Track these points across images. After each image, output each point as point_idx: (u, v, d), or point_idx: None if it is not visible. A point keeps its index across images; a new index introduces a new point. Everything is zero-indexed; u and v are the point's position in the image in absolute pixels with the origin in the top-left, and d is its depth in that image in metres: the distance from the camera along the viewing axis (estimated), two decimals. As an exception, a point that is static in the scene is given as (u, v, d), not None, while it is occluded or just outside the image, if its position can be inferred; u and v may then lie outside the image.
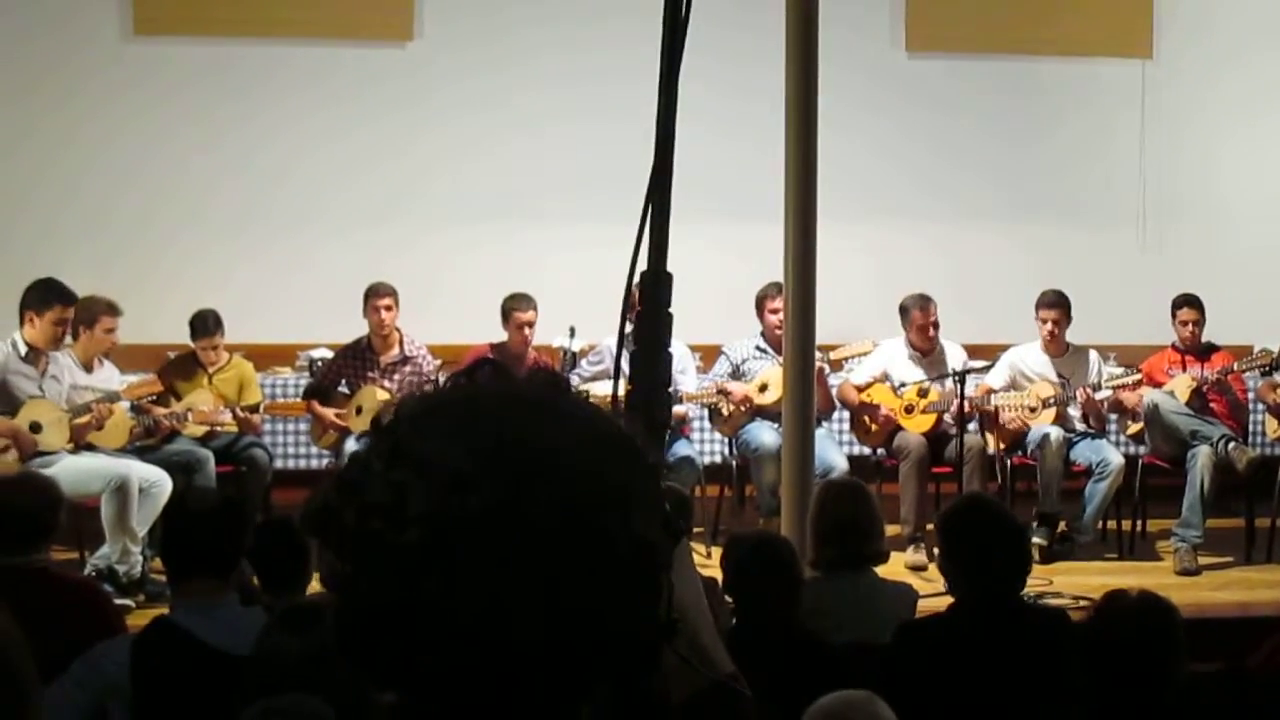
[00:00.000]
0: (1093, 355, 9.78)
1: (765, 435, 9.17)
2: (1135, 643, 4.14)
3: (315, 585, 5.05)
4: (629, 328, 1.80)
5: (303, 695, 3.32)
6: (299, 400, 9.52)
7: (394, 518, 1.19)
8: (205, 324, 9.20)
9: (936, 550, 5.49)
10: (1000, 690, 4.56)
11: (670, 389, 1.76)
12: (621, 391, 1.70)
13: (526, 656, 1.20)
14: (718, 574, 5.14)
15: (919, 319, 9.62)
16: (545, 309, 9.50)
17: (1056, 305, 9.64)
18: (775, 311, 8.95)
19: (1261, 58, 11.41)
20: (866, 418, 9.64)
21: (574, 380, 8.78)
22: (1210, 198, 11.46)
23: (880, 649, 4.96)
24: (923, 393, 9.53)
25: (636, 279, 1.72)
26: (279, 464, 9.41)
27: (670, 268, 1.71)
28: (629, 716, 1.44)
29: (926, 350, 9.66)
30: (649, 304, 1.69)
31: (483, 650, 1.19)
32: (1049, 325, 9.65)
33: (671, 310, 1.71)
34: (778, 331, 8.82)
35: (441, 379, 1.36)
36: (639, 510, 1.26)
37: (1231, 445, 9.25)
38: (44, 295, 8.28)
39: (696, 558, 7.30)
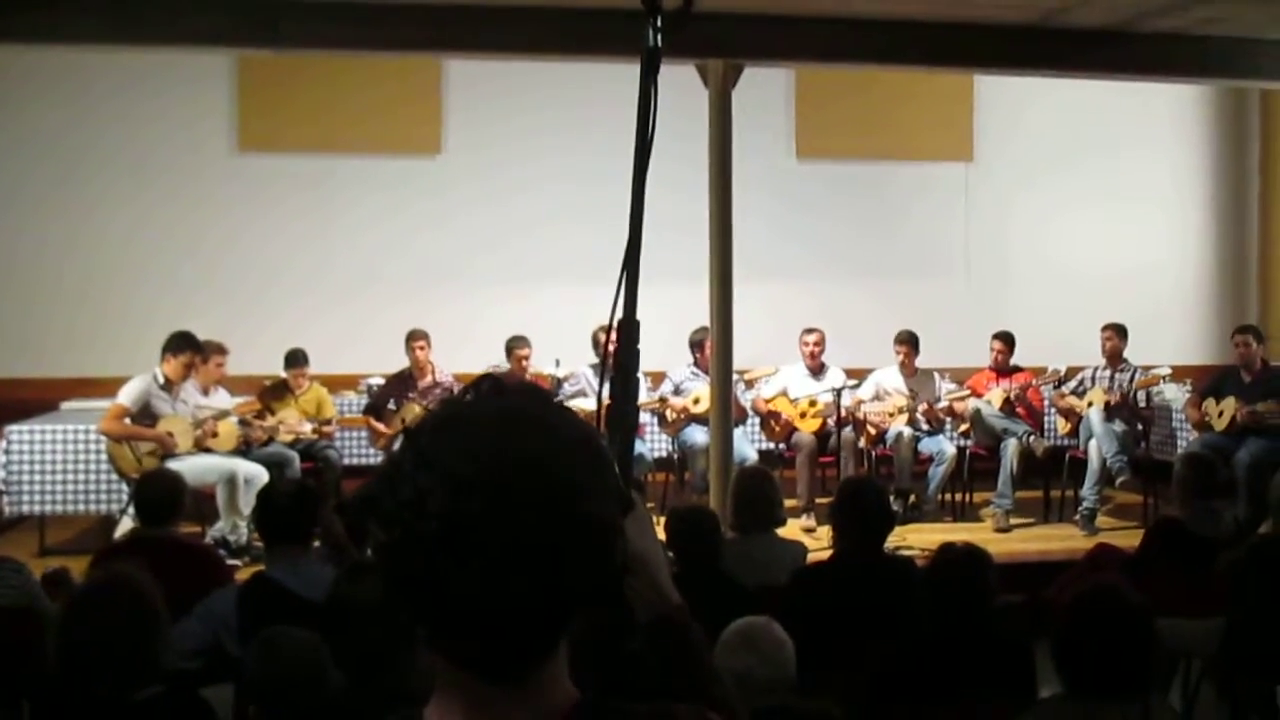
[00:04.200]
0: (935, 376, 9.82)
1: (698, 436, 9.17)
2: (961, 579, 4.16)
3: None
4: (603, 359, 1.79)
5: (295, 628, 3.27)
6: (361, 415, 9.49)
7: (417, 512, 1.20)
8: (297, 359, 9.23)
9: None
10: (866, 616, 4.58)
11: (637, 402, 1.76)
12: (601, 406, 1.69)
13: (517, 607, 1.21)
14: (662, 536, 5.15)
15: (801, 343, 9.70)
16: (537, 346, 9.51)
17: (908, 342, 9.72)
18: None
19: (1051, 158, 11.52)
20: (772, 422, 9.66)
21: (560, 397, 8.77)
22: (1014, 262, 11.55)
23: (780, 589, 4.97)
24: (812, 403, 9.55)
25: (615, 324, 1.70)
26: (347, 461, 9.33)
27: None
28: (607, 635, 1.46)
29: (815, 368, 9.69)
30: (624, 342, 1.69)
31: (485, 604, 1.20)
32: (902, 356, 9.71)
33: (639, 347, 1.71)
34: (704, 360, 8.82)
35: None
36: (598, 495, 1.25)
37: (1032, 438, 9.34)
38: (179, 343, 8.27)
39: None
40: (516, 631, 1.22)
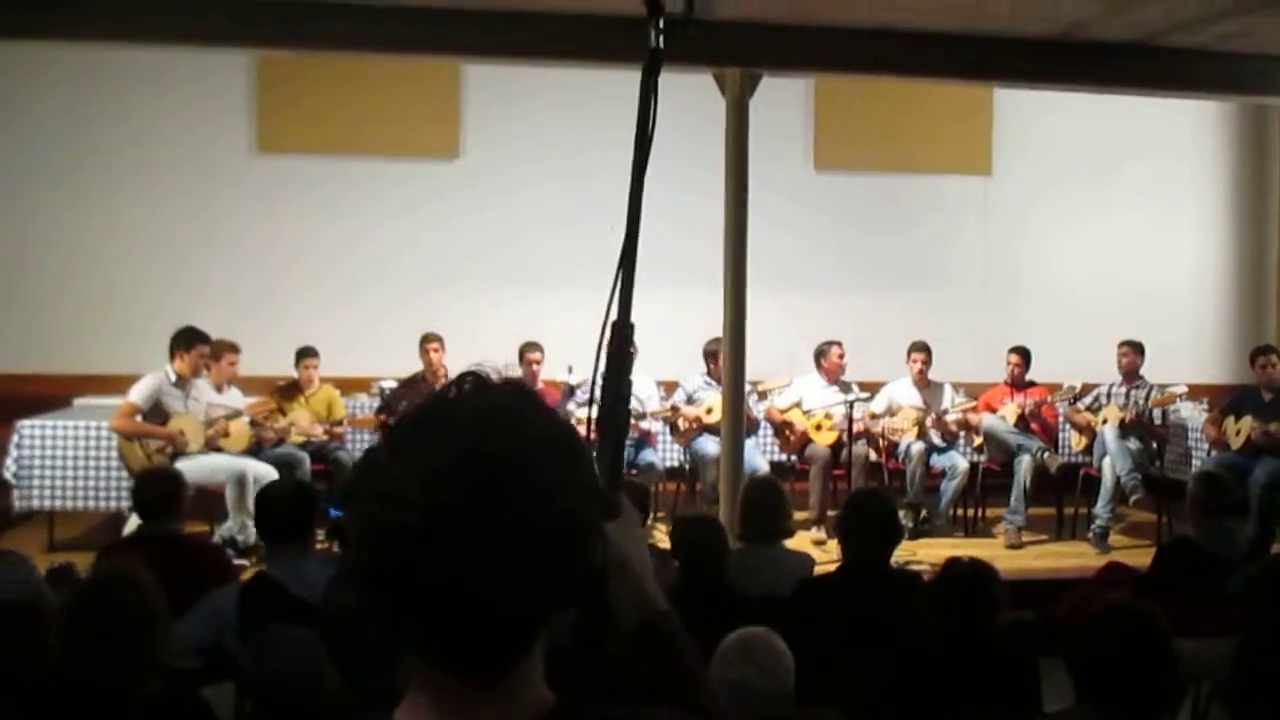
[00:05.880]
0: (947, 388, 9.80)
1: (709, 445, 9.15)
2: (966, 593, 4.14)
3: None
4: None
5: (295, 627, 3.26)
6: (372, 415, 9.49)
7: (394, 503, 1.19)
8: (308, 351, 9.30)
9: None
10: (870, 628, 4.55)
11: (629, 405, 1.74)
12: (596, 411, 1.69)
13: (492, 601, 1.20)
14: (667, 544, 5.13)
15: (834, 355, 9.70)
16: (552, 352, 9.51)
17: (923, 351, 9.72)
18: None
19: (1070, 173, 11.49)
20: (787, 432, 9.64)
21: (570, 407, 8.75)
22: (1031, 277, 11.50)
23: (785, 599, 4.94)
24: (828, 416, 9.55)
25: (608, 325, 1.69)
26: (358, 463, 9.37)
27: (636, 323, 1.68)
28: (589, 639, 1.45)
29: (835, 380, 9.68)
30: (616, 344, 1.68)
31: (455, 600, 1.19)
32: (918, 365, 9.70)
33: (634, 349, 1.69)
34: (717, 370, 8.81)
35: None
36: (577, 493, 1.25)
37: (1046, 454, 9.30)
38: (189, 338, 8.31)
39: (660, 537, 7.24)
40: (488, 629, 1.21)
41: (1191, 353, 11.41)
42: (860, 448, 9.25)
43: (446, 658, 1.23)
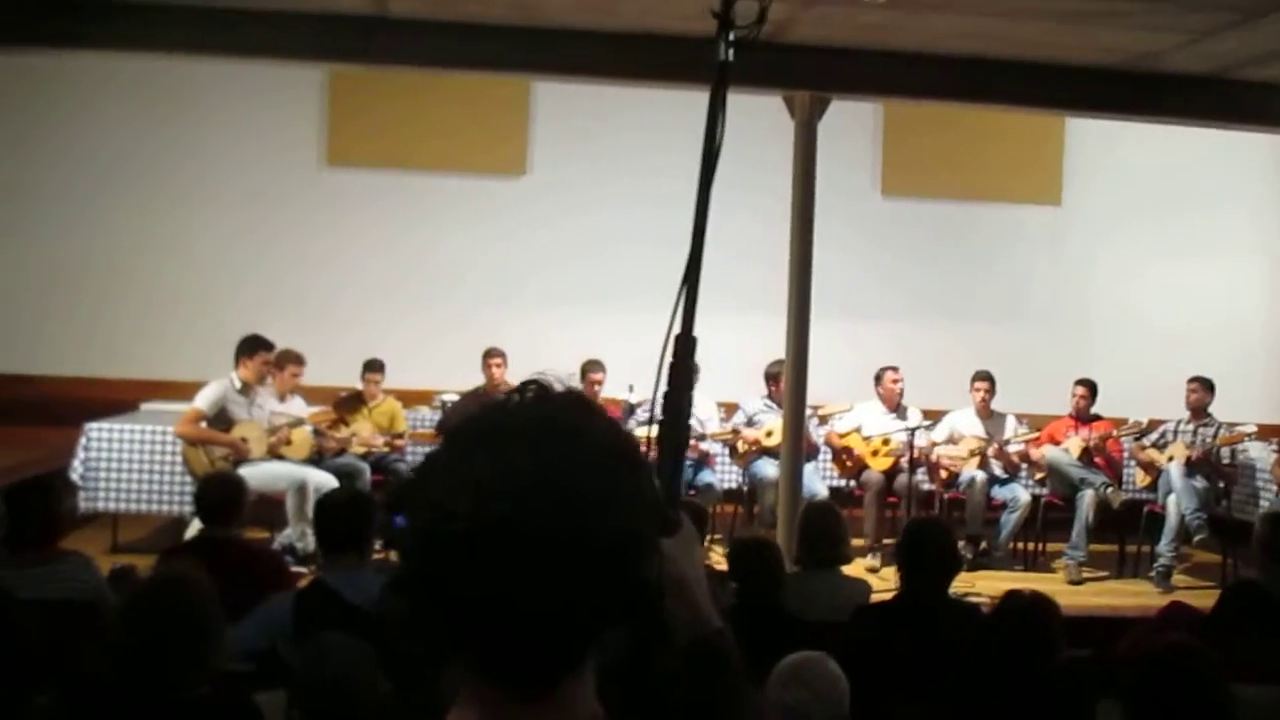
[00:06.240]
0: (1010, 419, 9.69)
1: (768, 468, 9.12)
2: (1025, 628, 4.06)
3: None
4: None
5: (345, 635, 3.26)
6: (434, 429, 9.52)
7: (443, 512, 1.18)
8: (374, 364, 9.38)
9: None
10: (926, 658, 4.49)
11: (690, 420, 1.72)
12: (657, 426, 1.66)
13: (541, 615, 1.18)
14: (724, 567, 5.10)
15: (888, 380, 9.63)
16: (613, 372, 9.50)
17: (986, 380, 9.62)
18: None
19: (1141, 205, 11.34)
20: (844, 457, 9.59)
21: (631, 424, 8.73)
22: (1099, 310, 11.35)
23: (841, 625, 4.89)
24: (886, 442, 9.47)
25: (671, 339, 1.67)
26: (417, 476, 9.38)
27: (699, 345, 1.67)
28: (643, 655, 1.43)
29: (893, 406, 9.61)
30: (679, 357, 1.66)
31: (506, 611, 1.17)
32: (980, 395, 9.60)
33: (697, 363, 1.68)
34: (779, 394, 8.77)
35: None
36: (631, 507, 1.22)
37: (1109, 490, 9.15)
38: (253, 345, 8.41)
39: (717, 559, 7.21)
40: (536, 642, 1.19)
41: (1262, 391, 11.20)
42: (915, 476, 9.16)
43: (494, 671, 1.21)
